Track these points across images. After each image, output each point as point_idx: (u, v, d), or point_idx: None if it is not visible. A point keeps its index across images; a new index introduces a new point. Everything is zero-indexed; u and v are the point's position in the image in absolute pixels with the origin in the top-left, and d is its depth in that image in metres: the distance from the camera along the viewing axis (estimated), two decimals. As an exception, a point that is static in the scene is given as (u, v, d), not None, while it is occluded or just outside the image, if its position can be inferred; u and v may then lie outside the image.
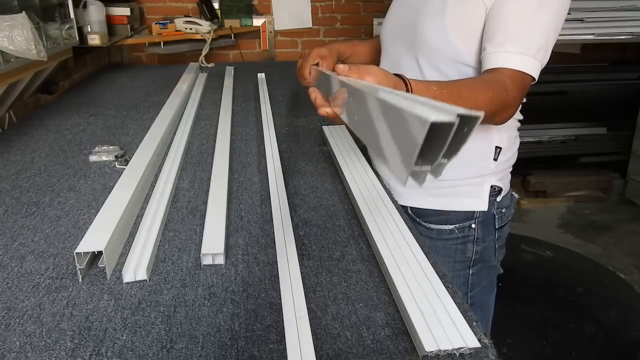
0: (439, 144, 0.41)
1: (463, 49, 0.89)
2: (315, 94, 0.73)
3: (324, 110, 0.72)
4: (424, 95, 0.73)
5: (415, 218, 1.04)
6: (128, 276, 0.70)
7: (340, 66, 0.71)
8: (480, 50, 0.88)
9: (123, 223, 0.79)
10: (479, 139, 0.95)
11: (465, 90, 0.80)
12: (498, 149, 0.97)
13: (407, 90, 0.75)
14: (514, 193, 1.07)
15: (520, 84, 0.83)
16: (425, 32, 0.92)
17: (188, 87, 1.70)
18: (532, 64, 0.82)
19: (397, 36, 1.02)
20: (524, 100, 0.99)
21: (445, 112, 0.39)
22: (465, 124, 0.41)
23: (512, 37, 0.82)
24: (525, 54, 0.81)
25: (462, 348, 0.55)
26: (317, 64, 1.03)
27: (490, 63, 0.84)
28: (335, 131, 1.25)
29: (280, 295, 0.65)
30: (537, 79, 0.84)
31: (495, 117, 0.85)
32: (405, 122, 0.41)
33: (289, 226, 0.82)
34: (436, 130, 0.39)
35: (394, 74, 0.75)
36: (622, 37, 2.55)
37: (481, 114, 0.40)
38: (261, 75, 1.98)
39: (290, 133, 1.33)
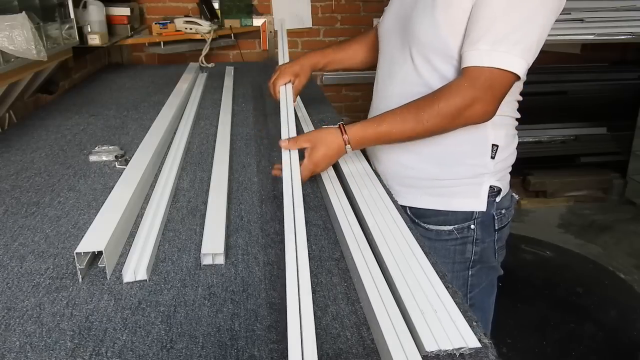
0: None
1: (453, 43, 0.89)
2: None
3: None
4: (364, 138, 0.92)
5: (414, 219, 1.04)
6: (128, 276, 0.70)
7: (283, 144, 0.94)
8: None
9: (123, 223, 0.79)
10: (475, 137, 0.95)
11: (410, 112, 0.89)
12: (495, 147, 0.97)
13: (345, 143, 0.91)
14: (514, 194, 1.07)
15: (486, 81, 0.83)
16: (416, 26, 0.92)
17: (188, 87, 1.70)
18: (505, 58, 0.81)
19: (392, 32, 1.03)
20: (520, 98, 0.99)
21: None
22: None
23: (484, 34, 0.82)
24: (496, 50, 0.81)
25: (462, 348, 0.55)
26: (289, 81, 1.19)
27: (463, 62, 0.86)
28: (335, 131, 1.25)
29: (280, 295, 0.65)
30: (519, 74, 0.83)
31: (455, 123, 0.88)
32: None
33: (302, 226, 0.74)
34: None
35: (340, 124, 0.92)
36: (622, 37, 2.54)
37: None
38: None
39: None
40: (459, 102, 0.85)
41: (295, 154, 0.93)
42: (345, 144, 0.92)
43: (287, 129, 1.01)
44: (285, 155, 0.93)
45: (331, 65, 1.25)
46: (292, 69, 1.20)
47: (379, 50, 1.09)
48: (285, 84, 1.19)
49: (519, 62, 0.82)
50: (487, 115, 0.87)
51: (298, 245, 0.69)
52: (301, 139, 0.94)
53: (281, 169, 0.91)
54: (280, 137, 0.98)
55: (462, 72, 0.86)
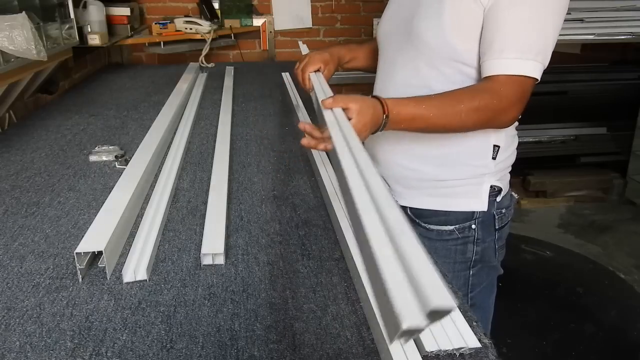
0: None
1: (460, 47, 0.89)
2: (304, 126, 0.83)
3: (309, 143, 0.81)
4: (400, 114, 0.83)
5: (415, 219, 1.04)
6: (128, 276, 0.70)
7: (326, 101, 0.79)
8: (478, 49, 0.88)
9: (123, 223, 0.79)
10: (477, 138, 0.95)
11: (449, 101, 0.84)
12: (496, 148, 0.97)
13: (384, 112, 0.81)
14: (513, 193, 1.07)
15: (518, 88, 0.84)
16: (421, 29, 0.92)
17: (188, 87, 1.70)
18: (532, 66, 0.83)
19: (393, 35, 1.02)
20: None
21: (423, 310, 0.33)
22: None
23: (510, 43, 0.83)
24: (523, 58, 0.82)
25: (462, 348, 0.55)
26: (319, 69, 1.07)
27: (489, 70, 0.85)
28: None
29: (280, 295, 0.65)
30: (539, 79, 0.85)
31: (488, 124, 0.88)
32: (384, 303, 0.36)
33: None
34: None
35: (373, 96, 0.83)
36: (622, 37, 2.54)
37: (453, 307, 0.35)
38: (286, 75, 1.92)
39: (290, 133, 1.33)
40: (497, 105, 0.84)
41: (340, 112, 0.78)
42: (384, 114, 0.82)
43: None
44: (328, 114, 0.78)
45: (353, 62, 1.21)
46: (322, 57, 1.11)
47: (379, 53, 1.09)
48: (315, 72, 1.09)
49: (541, 68, 0.84)
50: (515, 120, 0.89)
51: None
52: (347, 97, 0.80)
53: (314, 137, 0.81)
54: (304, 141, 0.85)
55: (490, 79, 0.85)
